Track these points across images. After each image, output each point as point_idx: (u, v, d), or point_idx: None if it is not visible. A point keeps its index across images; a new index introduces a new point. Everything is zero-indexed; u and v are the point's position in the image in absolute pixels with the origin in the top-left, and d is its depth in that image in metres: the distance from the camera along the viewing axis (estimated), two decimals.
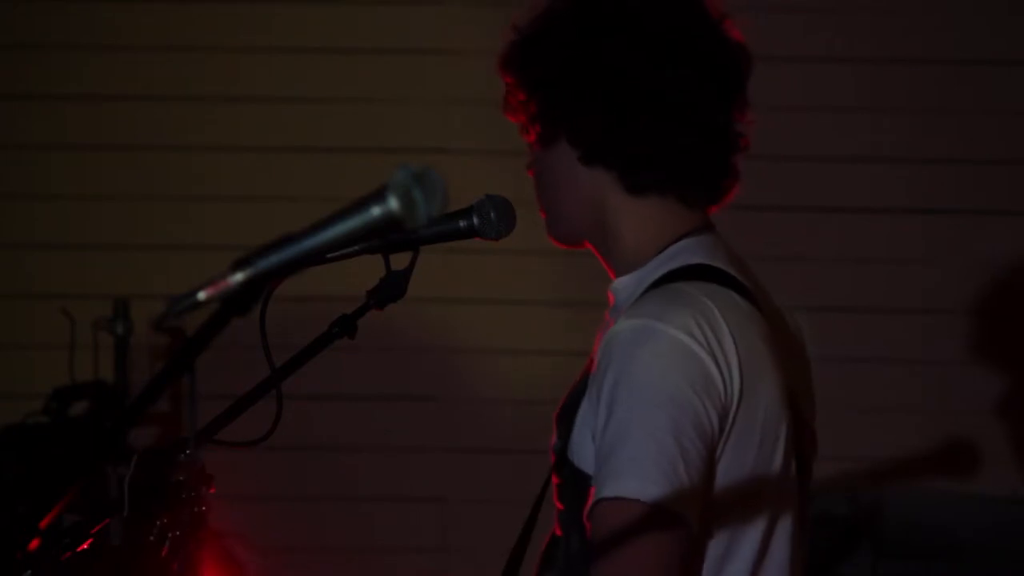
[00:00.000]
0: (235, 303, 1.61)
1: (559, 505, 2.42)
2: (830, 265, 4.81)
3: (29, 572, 1.86)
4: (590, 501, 2.22)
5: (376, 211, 1.55)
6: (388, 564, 4.78)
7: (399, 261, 2.38)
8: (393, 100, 4.83)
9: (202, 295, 1.61)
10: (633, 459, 2.16)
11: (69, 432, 4.34)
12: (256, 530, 4.77)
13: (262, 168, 4.84)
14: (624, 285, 2.42)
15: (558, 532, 2.44)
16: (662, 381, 2.19)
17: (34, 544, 1.80)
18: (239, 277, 1.60)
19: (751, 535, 2.31)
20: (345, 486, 4.83)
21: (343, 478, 4.82)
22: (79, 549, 2.09)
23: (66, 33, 4.82)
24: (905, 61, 4.79)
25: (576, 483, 2.32)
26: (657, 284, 2.33)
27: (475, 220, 2.38)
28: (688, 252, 2.38)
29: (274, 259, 1.60)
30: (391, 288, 2.37)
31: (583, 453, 2.31)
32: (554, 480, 2.43)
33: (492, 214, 2.39)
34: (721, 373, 2.22)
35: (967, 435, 4.66)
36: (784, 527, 2.35)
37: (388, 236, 2.31)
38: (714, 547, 2.29)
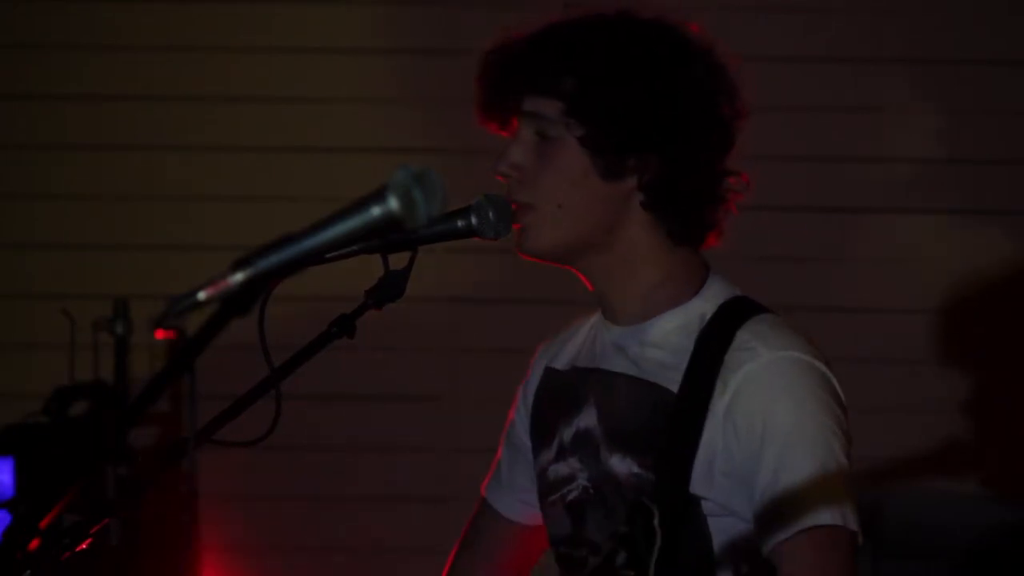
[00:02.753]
0: (235, 303, 1.61)
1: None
2: (830, 265, 4.81)
3: (29, 572, 1.86)
4: (773, 535, 2.31)
5: (376, 211, 1.55)
6: (388, 564, 4.78)
7: (398, 261, 2.37)
8: (393, 100, 4.83)
9: (202, 295, 1.61)
10: (830, 489, 2.30)
11: (69, 432, 4.34)
12: (255, 530, 4.77)
13: (262, 168, 4.84)
14: (669, 321, 2.43)
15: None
16: (830, 413, 2.35)
17: (34, 544, 1.80)
18: (239, 277, 1.60)
19: None
20: (345, 486, 4.82)
21: (343, 478, 4.82)
22: (79, 549, 2.09)
23: (66, 33, 4.82)
24: (905, 61, 4.79)
25: (683, 509, 2.36)
26: (727, 316, 2.40)
27: (474, 220, 2.38)
28: (724, 286, 2.46)
29: (274, 259, 1.60)
30: (390, 288, 2.37)
31: (710, 484, 2.35)
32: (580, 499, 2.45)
33: (491, 214, 2.39)
34: (844, 399, 2.41)
35: (967, 435, 4.65)
36: None
37: (388, 236, 2.31)
38: None
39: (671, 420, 2.36)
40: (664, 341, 2.42)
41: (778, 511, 2.30)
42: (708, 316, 2.40)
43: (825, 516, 2.29)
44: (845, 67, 4.79)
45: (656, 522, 2.33)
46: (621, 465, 2.42)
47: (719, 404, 2.34)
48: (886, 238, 4.80)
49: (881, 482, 4.59)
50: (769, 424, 2.31)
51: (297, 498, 4.82)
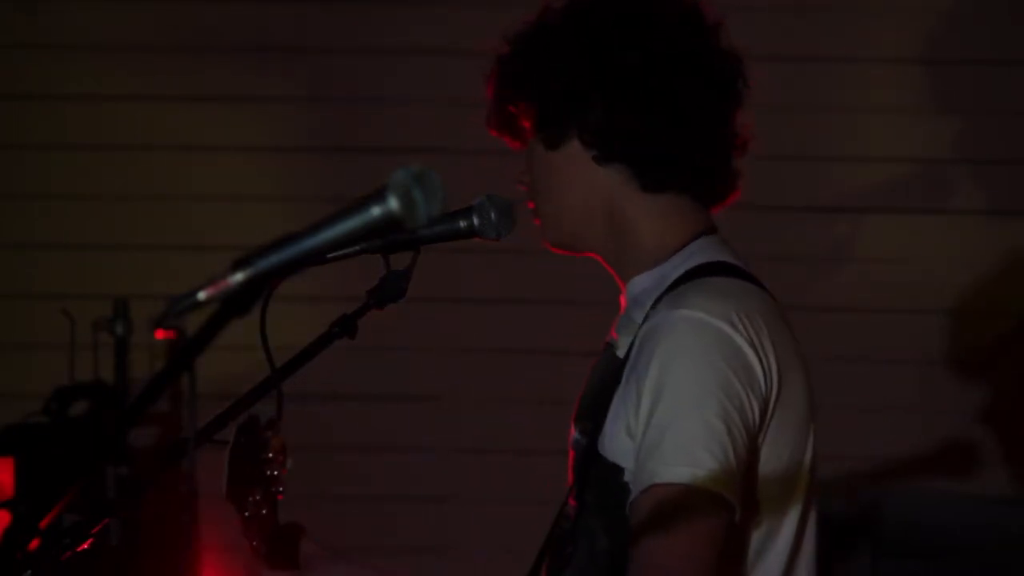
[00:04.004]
0: (235, 303, 1.61)
1: (572, 501, 2.42)
2: (830, 265, 4.81)
3: (29, 572, 1.86)
4: (632, 492, 2.25)
5: (376, 211, 1.55)
6: (388, 564, 4.77)
7: (399, 261, 2.38)
8: (393, 100, 4.83)
9: (202, 295, 1.61)
10: (684, 445, 2.21)
11: (69, 432, 4.34)
12: None
13: (261, 168, 4.84)
14: (642, 282, 2.42)
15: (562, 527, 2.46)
16: (711, 370, 2.24)
17: (34, 544, 1.80)
18: (239, 277, 1.60)
19: (787, 527, 2.37)
20: (345, 486, 4.82)
21: (343, 478, 4.82)
22: (79, 549, 2.09)
23: (66, 33, 4.83)
24: (905, 61, 4.79)
25: (607, 477, 2.34)
26: (682, 280, 2.36)
27: (475, 220, 2.39)
28: (707, 250, 2.41)
29: (274, 259, 1.60)
30: (391, 288, 2.38)
31: (616, 446, 2.32)
32: (571, 476, 2.44)
33: (492, 214, 2.39)
34: (762, 365, 2.28)
35: (967, 435, 4.66)
36: (811, 521, 2.41)
37: (388, 236, 2.32)
38: (753, 537, 2.34)
39: (608, 385, 2.36)
40: (631, 307, 2.42)
41: (639, 467, 2.25)
42: (670, 280, 2.38)
43: (672, 473, 2.20)
44: (846, 67, 4.79)
45: (583, 466, 2.33)
46: (574, 433, 2.45)
47: (629, 364, 2.33)
48: (886, 238, 4.80)
49: (881, 482, 4.60)
50: (647, 379, 2.26)
51: (296, 498, 4.81)
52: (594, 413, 2.37)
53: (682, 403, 2.23)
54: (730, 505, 2.22)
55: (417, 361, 4.81)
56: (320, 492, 4.81)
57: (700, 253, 2.40)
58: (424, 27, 4.82)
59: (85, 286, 4.75)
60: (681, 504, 2.20)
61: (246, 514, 2.36)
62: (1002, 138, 4.78)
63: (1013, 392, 4.75)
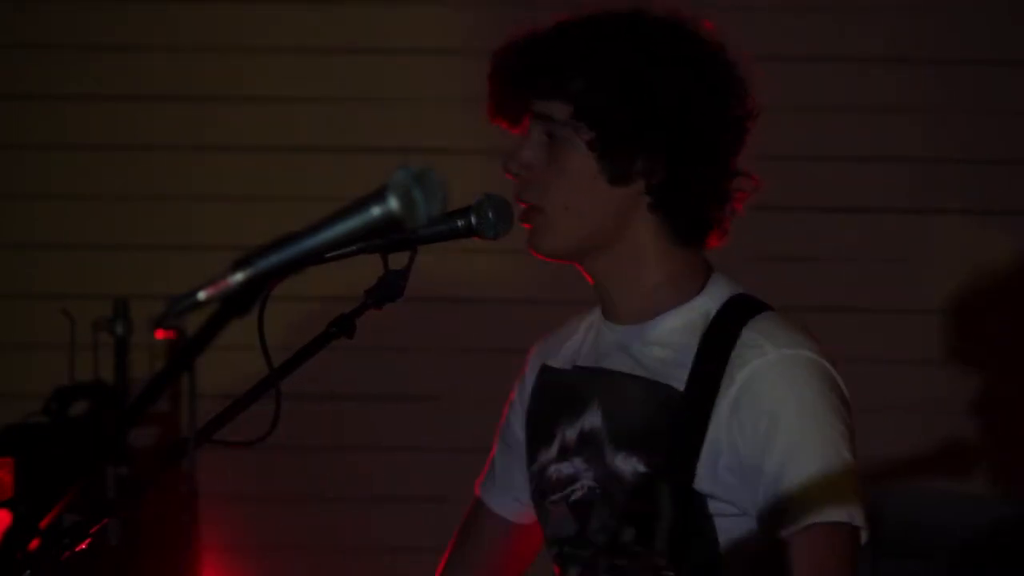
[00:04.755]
0: (235, 303, 1.61)
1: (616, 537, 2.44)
2: (830, 265, 4.81)
3: (29, 572, 1.87)
4: (778, 530, 2.33)
5: (376, 211, 1.55)
6: (388, 564, 4.78)
7: (398, 260, 2.38)
8: (393, 100, 4.83)
9: (202, 295, 1.61)
10: (836, 485, 2.32)
11: (69, 432, 4.34)
12: (255, 530, 4.77)
13: (262, 168, 4.84)
14: (675, 319, 2.44)
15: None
16: (832, 407, 2.37)
17: (34, 544, 1.80)
18: (239, 277, 1.60)
19: None
20: (345, 486, 4.82)
21: (343, 478, 4.82)
22: (79, 549, 2.09)
23: (66, 33, 4.82)
24: (906, 61, 4.79)
25: (693, 508, 2.37)
26: (731, 313, 2.41)
27: (473, 220, 2.39)
28: (725, 285, 2.47)
29: (274, 259, 1.60)
30: (389, 288, 2.37)
31: (714, 481, 2.36)
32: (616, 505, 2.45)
33: (490, 214, 2.39)
34: (847, 393, 2.42)
35: (967, 435, 4.66)
36: None
37: (388, 236, 2.32)
38: None
39: (677, 418, 2.37)
40: (668, 339, 2.42)
41: (783, 507, 2.31)
42: (712, 314, 2.41)
43: (830, 513, 2.31)
44: (845, 67, 4.79)
45: (663, 500, 2.35)
46: (626, 464, 2.43)
47: (724, 401, 2.36)
48: (886, 238, 4.80)
49: (881, 482, 4.59)
50: (776, 421, 2.33)
51: (297, 498, 4.81)
52: (659, 446, 2.38)
53: (821, 443, 2.33)
54: (864, 535, 2.35)
55: (417, 361, 4.81)
56: (320, 492, 4.81)
57: (725, 288, 2.46)
58: (426, 27, 4.81)
59: (85, 286, 4.75)
60: (838, 542, 2.32)
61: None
62: (1002, 138, 4.78)
63: (1013, 392, 4.75)
